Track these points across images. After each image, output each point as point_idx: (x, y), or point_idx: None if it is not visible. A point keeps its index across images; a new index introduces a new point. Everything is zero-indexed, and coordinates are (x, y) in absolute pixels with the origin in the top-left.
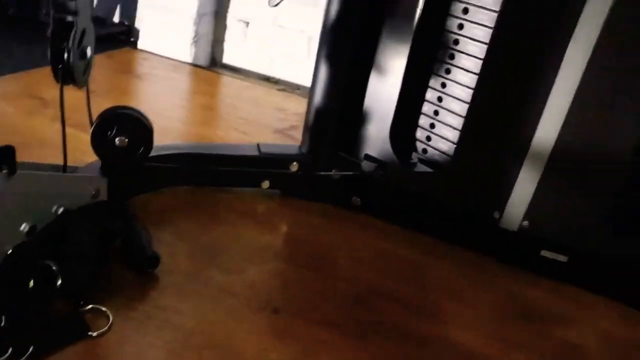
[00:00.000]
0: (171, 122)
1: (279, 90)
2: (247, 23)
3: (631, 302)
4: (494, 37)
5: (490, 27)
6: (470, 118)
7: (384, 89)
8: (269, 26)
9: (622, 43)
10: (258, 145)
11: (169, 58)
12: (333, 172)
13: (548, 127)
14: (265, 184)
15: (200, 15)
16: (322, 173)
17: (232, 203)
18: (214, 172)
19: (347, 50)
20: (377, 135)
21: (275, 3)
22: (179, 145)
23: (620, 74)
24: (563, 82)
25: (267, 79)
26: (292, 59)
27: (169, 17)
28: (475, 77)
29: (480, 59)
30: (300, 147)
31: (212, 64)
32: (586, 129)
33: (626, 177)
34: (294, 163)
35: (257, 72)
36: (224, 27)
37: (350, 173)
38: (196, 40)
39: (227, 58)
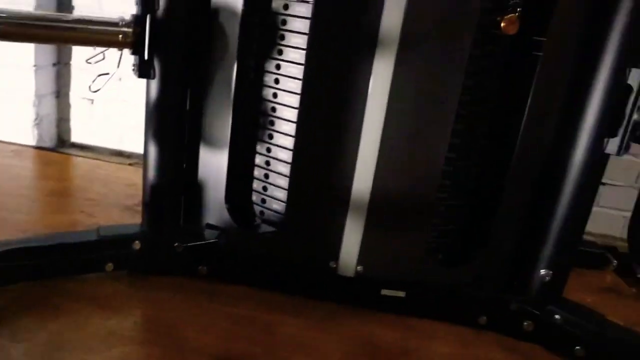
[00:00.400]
0: (11, 215)
1: (131, 164)
2: (92, 100)
3: (465, 323)
4: (302, 102)
5: (298, 94)
6: (294, 177)
7: (214, 158)
8: (113, 102)
9: (417, 88)
10: (98, 229)
11: (9, 142)
12: (176, 245)
13: (363, 175)
14: (110, 267)
15: (39, 97)
16: (165, 247)
17: (74, 292)
18: (52, 264)
19: (171, 125)
20: (214, 203)
21: (96, 89)
22: (10, 240)
23: (420, 112)
24: (369, 132)
25: (120, 154)
26: (141, 131)
27: (5, 99)
28: (293, 139)
29: (294, 122)
30: (141, 224)
31: (59, 144)
32: (396, 170)
33: (438, 211)
34: (136, 241)
35: (109, 148)
36: (68, 105)
37: (194, 243)
38: (38, 122)
39: (76, 136)
